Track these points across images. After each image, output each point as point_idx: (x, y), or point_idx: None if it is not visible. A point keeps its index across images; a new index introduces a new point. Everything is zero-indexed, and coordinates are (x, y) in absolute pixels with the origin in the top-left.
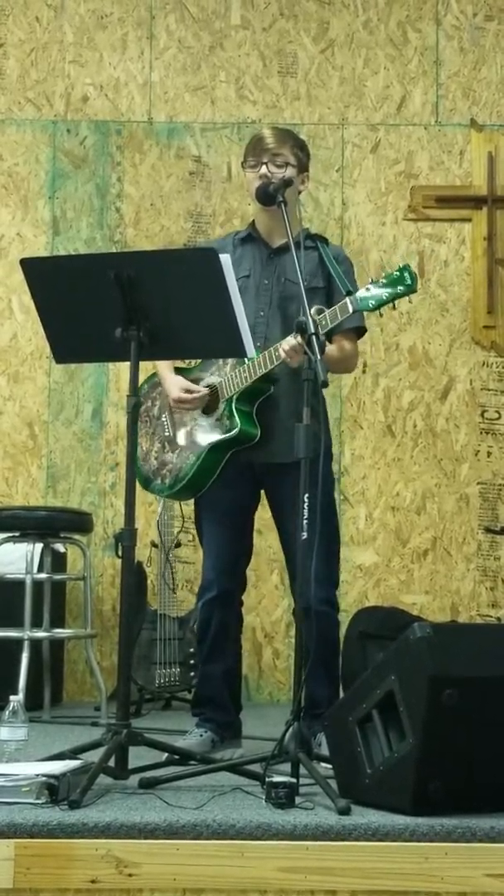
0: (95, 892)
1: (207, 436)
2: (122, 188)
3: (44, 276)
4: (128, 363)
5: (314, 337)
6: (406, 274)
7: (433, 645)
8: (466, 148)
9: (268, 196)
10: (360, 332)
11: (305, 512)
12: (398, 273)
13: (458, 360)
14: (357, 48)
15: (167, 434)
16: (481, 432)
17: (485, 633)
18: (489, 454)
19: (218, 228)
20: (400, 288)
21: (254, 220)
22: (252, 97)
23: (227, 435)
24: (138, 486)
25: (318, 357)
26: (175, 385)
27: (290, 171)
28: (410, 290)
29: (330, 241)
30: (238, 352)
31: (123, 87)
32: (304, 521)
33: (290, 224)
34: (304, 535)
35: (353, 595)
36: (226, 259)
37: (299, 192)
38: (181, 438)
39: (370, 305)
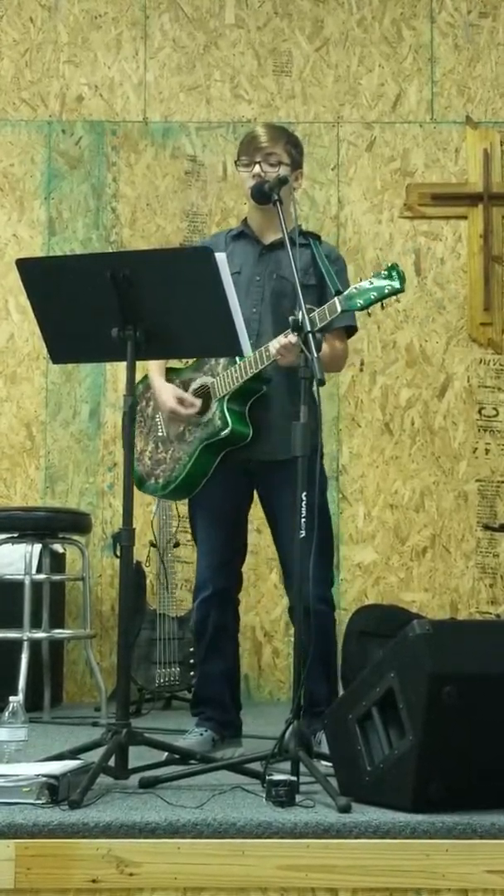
0: (96, 892)
1: (200, 436)
2: (118, 188)
3: (40, 276)
4: (125, 363)
5: (310, 335)
6: (394, 273)
7: (432, 642)
8: (462, 145)
9: (263, 195)
10: (350, 331)
11: (303, 510)
12: (386, 272)
13: (456, 358)
14: (352, 46)
15: (161, 434)
16: (479, 429)
17: (484, 630)
18: (487, 451)
19: (214, 228)
20: (387, 288)
21: (246, 218)
22: (247, 96)
23: (219, 435)
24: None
25: (315, 355)
26: (169, 394)
27: (283, 170)
28: (397, 290)
29: (322, 239)
30: (235, 350)
31: (118, 87)
32: (303, 520)
33: (285, 222)
34: (303, 533)
35: (353, 593)
36: (221, 258)
37: (294, 190)
38: (174, 438)
39: (357, 305)
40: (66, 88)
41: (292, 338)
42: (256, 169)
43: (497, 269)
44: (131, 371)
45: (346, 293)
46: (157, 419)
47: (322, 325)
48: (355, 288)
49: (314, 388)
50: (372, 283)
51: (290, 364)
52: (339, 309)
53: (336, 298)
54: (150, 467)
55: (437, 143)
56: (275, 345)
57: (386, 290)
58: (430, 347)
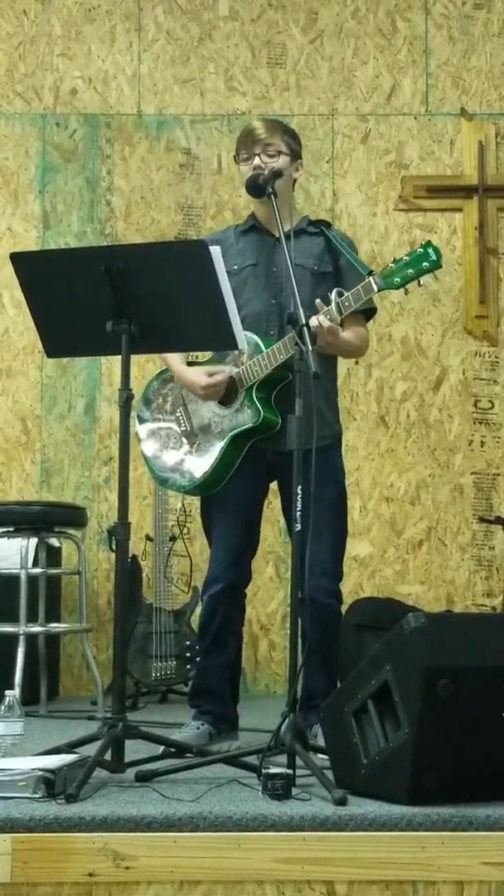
0: (93, 886)
1: (228, 427)
2: (113, 181)
3: (34, 270)
4: (120, 357)
5: (305, 328)
6: (430, 250)
7: (428, 635)
8: (457, 137)
9: (257, 188)
10: (369, 314)
11: (299, 503)
12: (422, 249)
13: (451, 351)
14: (346, 38)
15: (184, 429)
16: (474, 422)
17: (480, 623)
18: (482, 444)
19: (209, 221)
20: (425, 264)
21: (253, 212)
22: (241, 88)
23: (250, 424)
24: (132, 481)
25: (311, 348)
26: (198, 372)
27: (282, 161)
28: (436, 265)
29: (332, 225)
30: (229, 344)
31: (112, 79)
32: (298, 513)
33: (281, 215)
34: (298, 526)
35: (349, 586)
36: (216, 251)
37: (294, 181)
38: (199, 432)
39: (395, 283)
40: (59, 81)
41: (325, 320)
42: (256, 161)
43: (492, 262)
44: (126, 365)
45: (381, 271)
46: (179, 414)
47: (356, 307)
48: (389, 266)
49: (311, 380)
50: (407, 262)
51: (325, 348)
52: (375, 288)
53: (371, 277)
54: (173, 464)
55: (432, 136)
56: (313, 323)
57: (424, 266)
58: (426, 340)
